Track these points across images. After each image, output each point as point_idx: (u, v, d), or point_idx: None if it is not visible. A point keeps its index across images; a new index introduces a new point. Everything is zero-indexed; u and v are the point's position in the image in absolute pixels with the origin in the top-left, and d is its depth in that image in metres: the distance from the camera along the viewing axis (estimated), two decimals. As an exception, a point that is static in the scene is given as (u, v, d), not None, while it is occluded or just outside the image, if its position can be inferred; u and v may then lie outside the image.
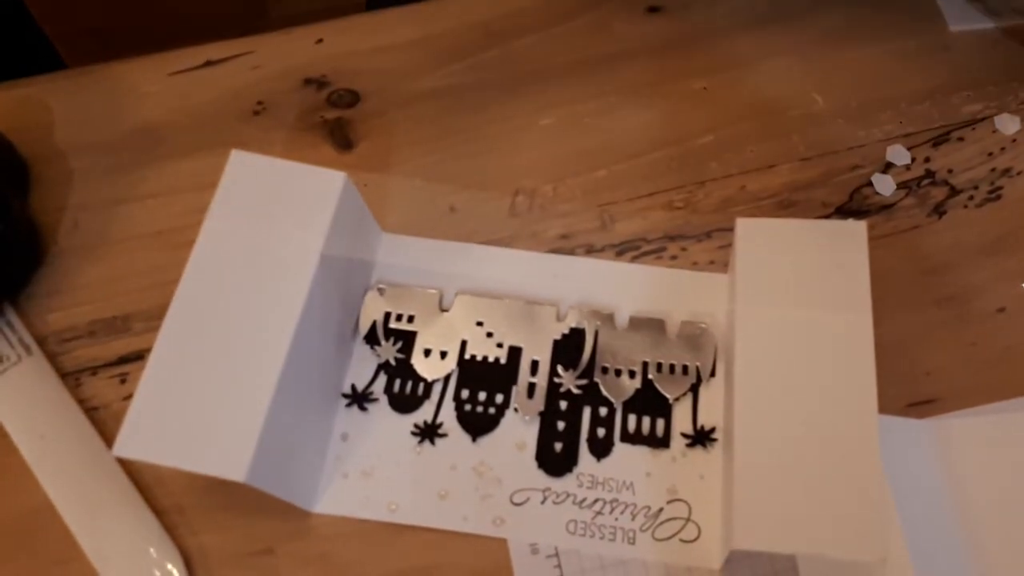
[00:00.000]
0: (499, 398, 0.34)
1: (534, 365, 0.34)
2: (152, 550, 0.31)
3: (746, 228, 0.32)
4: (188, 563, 0.31)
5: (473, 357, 0.34)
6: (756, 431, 0.28)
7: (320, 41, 0.42)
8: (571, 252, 0.37)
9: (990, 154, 0.39)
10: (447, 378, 0.34)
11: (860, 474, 0.27)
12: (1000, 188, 0.38)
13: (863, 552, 0.26)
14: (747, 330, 0.30)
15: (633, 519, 0.31)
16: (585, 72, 0.41)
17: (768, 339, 0.30)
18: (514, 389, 0.34)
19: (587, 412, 0.33)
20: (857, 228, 0.31)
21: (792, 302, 0.30)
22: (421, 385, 0.34)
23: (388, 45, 0.42)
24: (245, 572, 0.31)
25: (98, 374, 0.35)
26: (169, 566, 0.31)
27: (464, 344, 0.35)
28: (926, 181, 0.38)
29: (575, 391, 0.33)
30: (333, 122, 0.40)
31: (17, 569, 0.31)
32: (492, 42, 0.42)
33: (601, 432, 0.33)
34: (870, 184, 0.38)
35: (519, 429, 0.33)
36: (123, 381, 0.35)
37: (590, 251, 0.37)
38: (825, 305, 0.30)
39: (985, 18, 0.42)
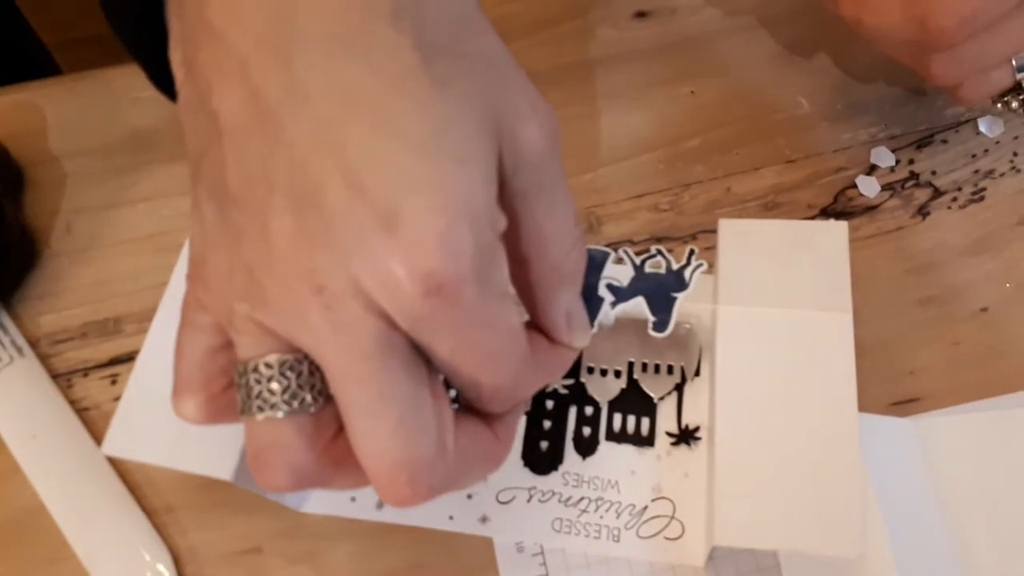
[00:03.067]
0: (486, 398, 0.34)
1: (521, 365, 0.34)
2: (142, 549, 0.31)
3: (728, 229, 0.32)
4: (177, 562, 0.32)
5: (460, 358, 0.35)
6: (737, 428, 0.29)
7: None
8: (558, 254, 0.37)
9: (973, 156, 0.39)
10: (435, 378, 0.34)
11: (840, 471, 0.27)
12: (983, 189, 0.38)
13: (842, 548, 0.26)
14: (728, 329, 0.30)
15: (618, 517, 0.32)
16: (573, 77, 0.42)
17: (749, 337, 0.30)
18: (501, 389, 0.34)
19: (573, 411, 0.34)
20: (838, 228, 0.31)
21: (773, 301, 0.30)
22: (409, 385, 0.34)
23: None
24: (234, 571, 0.32)
25: (89, 375, 0.35)
26: (159, 566, 0.31)
27: (452, 345, 0.35)
28: (910, 183, 0.39)
29: (561, 391, 0.34)
30: (323, 126, 0.41)
31: (8, 568, 0.32)
32: (481, 47, 0.43)
33: (587, 431, 0.33)
34: (855, 186, 0.39)
35: (506, 429, 0.33)
36: (114, 382, 0.35)
37: (577, 253, 0.37)
38: (806, 304, 0.30)
39: None
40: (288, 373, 0.21)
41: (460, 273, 0.19)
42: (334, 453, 0.22)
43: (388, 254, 0.19)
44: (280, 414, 0.21)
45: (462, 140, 0.20)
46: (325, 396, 0.21)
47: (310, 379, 0.21)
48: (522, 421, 0.33)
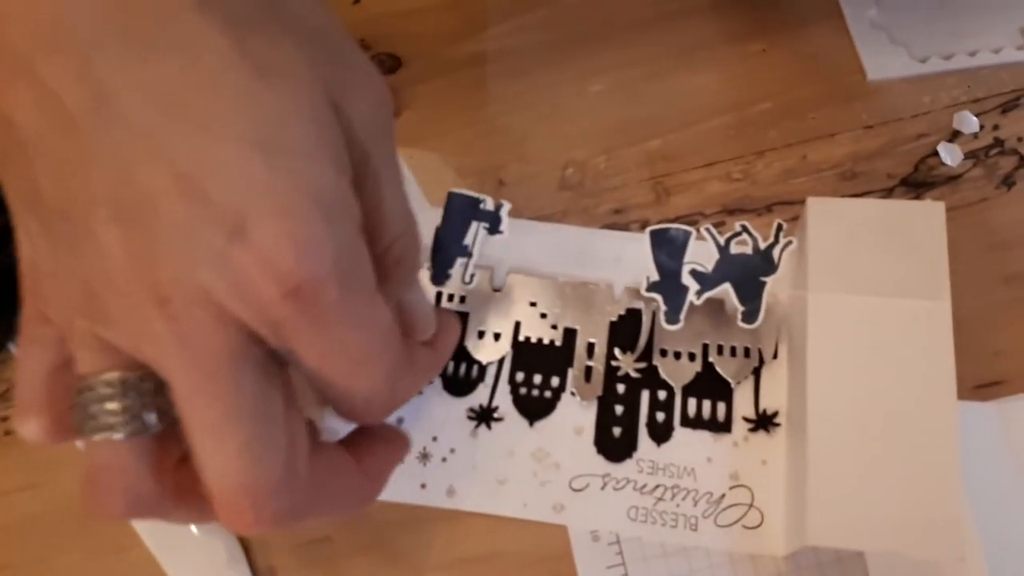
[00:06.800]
0: (555, 381, 0.33)
1: (590, 347, 0.33)
2: (212, 536, 0.31)
3: (817, 208, 0.31)
4: (247, 549, 0.31)
5: (527, 339, 0.33)
6: (829, 423, 0.28)
7: (357, 1, 0.40)
8: (625, 227, 0.36)
9: (1063, 121, 0.37)
10: (501, 361, 0.33)
11: (938, 469, 0.27)
12: (1073, 157, 0.36)
13: (940, 551, 0.26)
14: (820, 317, 0.29)
15: (695, 505, 0.31)
16: (636, 34, 0.39)
17: (841, 328, 0.29)
18: (570, 372, 0.33)
19: (646, 396, 0.33)
20: (935, 209, 0.30)
21: (866, 288, 0.29)
22: (475, 368, 0.33)
23: (429, 5, 0.40)
24: (304, 559, 0.31)
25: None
26: (224, 552, 0.31)
27: (518, 325, 0.34)
28: (995, 150, 0.37)
29: (633, 374, 0.33)
30: (373, 89, 0.38)
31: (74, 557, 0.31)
32: (538, 1, 0.40)
33: (660, 416, 0.32)
34: (936, 154, 0.37)
35: (576, 413, 0.32)
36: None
37: (645, 226, 0.35)
38: (902, 291, 0.29)
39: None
40: (130, 393, 0.19)
41: (319, 271, 0.18)
42: (178, 481, 0.21)
43: (240, 259, 0.18)
44: (118, 436, 0.20)
45: (300, 132, 0.18)
46: (171, 419, 0.20)
47: (154, 399, 0.20)
48: (594, 406, 0.32)
